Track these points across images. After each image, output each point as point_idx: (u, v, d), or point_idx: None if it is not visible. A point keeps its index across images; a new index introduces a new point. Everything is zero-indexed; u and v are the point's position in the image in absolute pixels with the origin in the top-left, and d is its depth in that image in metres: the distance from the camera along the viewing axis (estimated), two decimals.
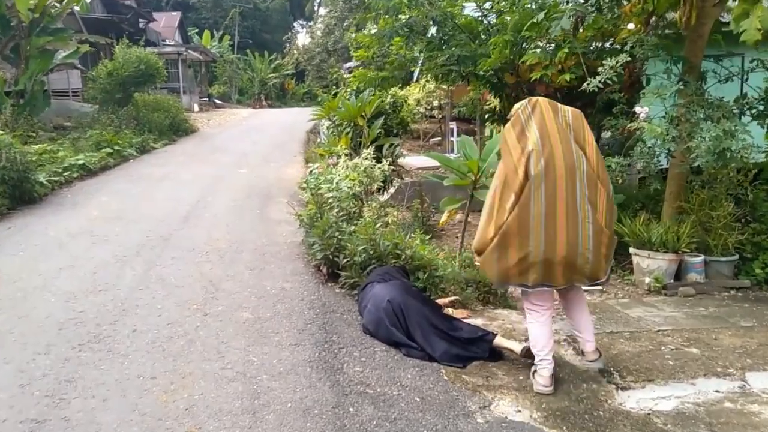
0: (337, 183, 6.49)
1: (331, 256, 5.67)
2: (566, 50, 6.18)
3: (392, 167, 8.04)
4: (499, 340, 4.18)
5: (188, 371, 3.88)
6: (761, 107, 6.08)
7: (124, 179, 10.78)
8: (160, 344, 4.27)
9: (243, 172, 11.98)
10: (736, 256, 5.94)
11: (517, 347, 4.08)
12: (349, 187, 6.68)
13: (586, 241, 3.67)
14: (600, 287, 5.79)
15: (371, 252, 5.43)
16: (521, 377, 3.98)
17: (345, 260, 5.53)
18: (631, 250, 6.01)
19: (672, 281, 5.79)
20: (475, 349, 4.20)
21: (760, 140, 6.14)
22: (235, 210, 8.62)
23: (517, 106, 3.87)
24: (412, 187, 8.59)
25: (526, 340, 4.50)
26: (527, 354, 4.00)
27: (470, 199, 5.98)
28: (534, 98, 3.86)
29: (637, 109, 5.50)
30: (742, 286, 5.82)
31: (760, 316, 5.12)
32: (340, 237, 5.68)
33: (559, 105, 3.88)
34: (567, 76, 6.37)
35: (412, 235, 5.92)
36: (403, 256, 5.41)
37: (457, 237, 8.12)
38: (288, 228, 7.56)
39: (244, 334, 4.46)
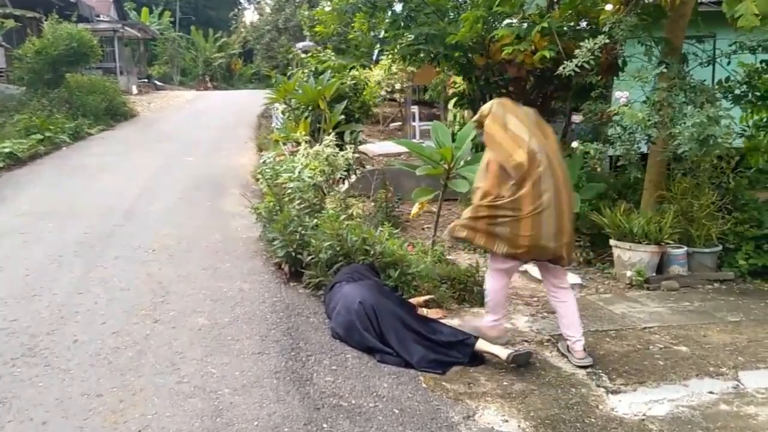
0: (299, 172, 6.28)
1: (293, 253, 5.49)
2: (546, 24, 6.09)
3: (355, 155, 7.86)
4: (482, 344, 4.09)
5: (139, 387, 3.67)
6: (741, 90, 6.12)
7: (57, 169, 10.33)
8: (105, 356, 4.04)
9: (190, 160, 11.64)
10: (719, 247, 6.00)
11: (502, 353, 3.99)
12: (310, 177, 6.49)
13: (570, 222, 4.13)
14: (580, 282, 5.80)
15: (338, 248, 5.27)
16: (505, 383, 3.90)
17: (309, 258, 5.36)
18: (612, 242, 6.00)
19: (654, 274, 5.80)
20: (455, 354, 4.10)
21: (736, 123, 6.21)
22: (183, 203, 8.34)
23: (486, 106, 4.25)
24: (374, 176, 8.45)
25: (507, 344, 4.44)
26: (513, 360, 3.93)
27: (443, 189, 5.87)
28: (498, 99, 4.35)
29: (618, 93, 5.46)
30: (726, 278, 5.88)
31: (747, 310, 5.17)
32: (303, 232, 5.50)
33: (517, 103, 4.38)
34: (546, 53, 6.30)
35: (381, 228, 5.78)
36: (373, 252, 5.27)
37: (423, 228, 8.04)
38: (243, 222, 7.34)
39: (201, 343, 4.26)
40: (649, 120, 5.35)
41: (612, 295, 5.62)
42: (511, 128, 4.00)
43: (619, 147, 5.68)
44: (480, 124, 4.26)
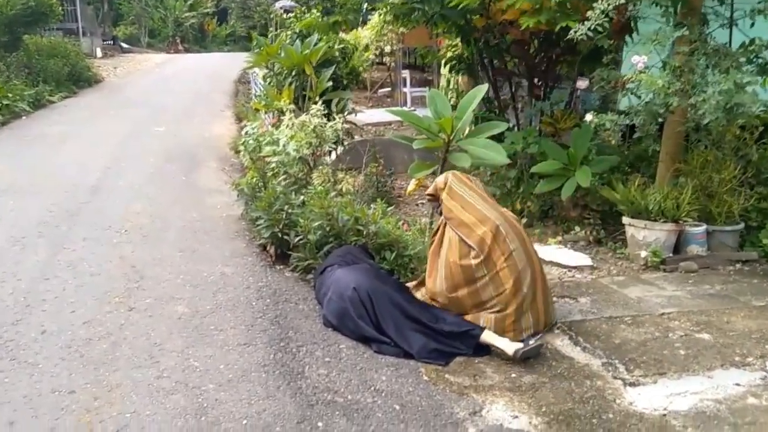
0: (283, 145, 6.17)
1: (280, 234, 5.42)
2: None
3: (345, 125, 7.73)
4: (488, 336, 4.05)
5: (115, 382, 3.61)
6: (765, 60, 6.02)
7: (16, 140, 10.14)
8: (77, 348, 3.97)
9: (161, 130, 11.45)
10: (741, 225, 5.97)
11: (509, 348, 3.95)
12: (296, 150, 6.37)
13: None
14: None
15: (328, 228, 5.20)
16: (514, 375, 3.87)
17: (297, 238, 5.29)
18: (625, 219, 5.96)
19: (671, 255, 5.77)
20: (458, 345, 4.07)
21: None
22: (155, 177, 8.21)
23: (440, 179, 4.63)
24: (364, 148, 8.34)
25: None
26: (522, 356, 3.89)
27: (443, 163, 5.79)
28: (449, 172, 4.72)
29: (635, 58, 5.36)
30: (748, 258, 5.84)
31: None
32: (290, 211, 5.42)
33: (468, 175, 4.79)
34: (572, 24, 6.18)
35: (374, 206, 5.70)
36: (366, 233, 5.20)
37: (417, 204, 7.97)
38: (222, 199, 7.24)
39: (181, 333, 4.20)
40: (669, 87, 5.26)
41: (626, 277, 5.60)
42: (470, 202, 4.40)
43: (636, 117, 5.60)
44: (434, 197, 4.63)
